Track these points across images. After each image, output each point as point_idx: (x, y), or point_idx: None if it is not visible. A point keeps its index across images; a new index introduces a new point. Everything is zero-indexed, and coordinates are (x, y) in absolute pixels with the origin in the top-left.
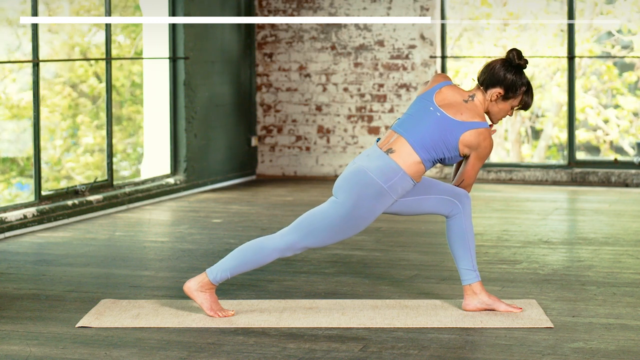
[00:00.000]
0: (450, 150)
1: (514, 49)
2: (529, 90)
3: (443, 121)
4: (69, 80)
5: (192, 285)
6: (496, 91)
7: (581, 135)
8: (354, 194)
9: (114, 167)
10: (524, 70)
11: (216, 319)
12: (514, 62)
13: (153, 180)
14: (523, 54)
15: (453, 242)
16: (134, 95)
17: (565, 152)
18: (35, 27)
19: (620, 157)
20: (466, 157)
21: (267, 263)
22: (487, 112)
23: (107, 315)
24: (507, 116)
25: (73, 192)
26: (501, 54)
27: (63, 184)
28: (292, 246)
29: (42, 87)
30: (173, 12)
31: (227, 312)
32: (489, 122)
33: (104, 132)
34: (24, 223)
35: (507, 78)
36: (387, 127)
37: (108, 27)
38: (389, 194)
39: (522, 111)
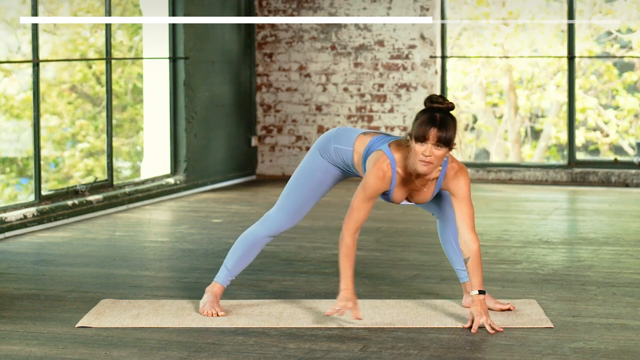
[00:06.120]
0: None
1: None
2: (425, 119)
3: (387, 138)
4: (69, 82)
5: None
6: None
7: (581, 138)
8: (314, 145)
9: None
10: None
11: (216, 319)
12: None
13: (153, 180)
14: (435, 98)
15: (446, 241)
16: (135, 98)
17: (565, 152)
18: (35, 27)
19: (620, 157)
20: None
21: (259, 246)
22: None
23: (107, 315)
24: (424, 158)
25: (73, 192)
26: (500, 53)
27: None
28: (269, 217)
29: (42, 88)
30: (173, 12)
31: (214, 311)
32: (420, 171)
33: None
34: (24, 223)
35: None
36: (387, 127)
37: (108, 27)
38: (327, 154)
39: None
